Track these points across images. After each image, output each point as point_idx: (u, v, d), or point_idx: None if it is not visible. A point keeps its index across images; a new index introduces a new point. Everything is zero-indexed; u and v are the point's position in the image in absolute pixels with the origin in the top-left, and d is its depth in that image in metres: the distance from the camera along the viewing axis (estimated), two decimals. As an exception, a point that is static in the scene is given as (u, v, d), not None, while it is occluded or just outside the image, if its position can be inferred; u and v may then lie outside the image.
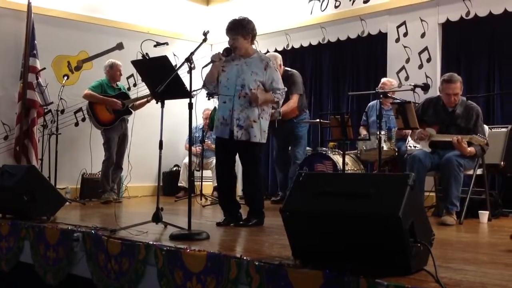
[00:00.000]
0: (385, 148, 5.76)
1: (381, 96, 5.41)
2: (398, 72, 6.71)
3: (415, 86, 5.43)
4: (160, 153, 3.92)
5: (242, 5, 8.18)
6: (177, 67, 3.90)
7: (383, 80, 6.34)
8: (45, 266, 4.04)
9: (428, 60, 6.51)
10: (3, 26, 6.97)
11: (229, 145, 4.37)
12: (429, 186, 5.28)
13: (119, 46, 7.84)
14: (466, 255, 3.16)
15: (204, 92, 4.56)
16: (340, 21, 7.28)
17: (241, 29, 4.31)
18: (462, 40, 6.46)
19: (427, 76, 6.42)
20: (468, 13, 6.16)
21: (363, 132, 6.33)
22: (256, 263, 2.69)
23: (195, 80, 3.82)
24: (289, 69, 6.48)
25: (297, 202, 2.65)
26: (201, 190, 6.95)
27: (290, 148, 6.54)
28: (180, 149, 8.31)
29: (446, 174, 4.67)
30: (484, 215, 4.76)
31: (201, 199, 6.69)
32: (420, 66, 6.56)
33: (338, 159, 6.04)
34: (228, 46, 4.38)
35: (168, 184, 8.04)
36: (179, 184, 7.78)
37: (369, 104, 6.50)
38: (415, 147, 5.01)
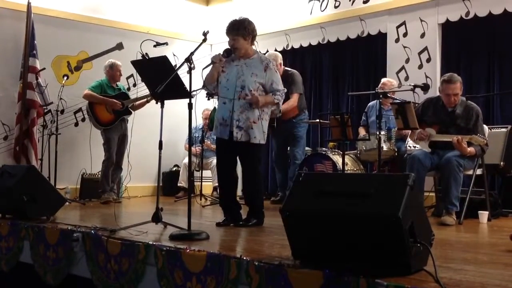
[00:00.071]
0: (384, 148, 5.76)
1: (380, 96, 5.41)
2: (397, 72, 6.71)
3: (415, 86, 5.43)
4: (160, 153, 3.92)
5: (242, 5, 8.18)
6: (177, 67, 3.90)
7: (383, 80, 6.34)
8: (45, 266, 4.04)
9: (428, 60, 6.51)
10: (3, 26, 6.97)
11: (229, 146, 4.37)
12: (429, 186, 5.29)
13: (119, 46, 7.84)
14: (466, 255, 3.16)
15: (203, 92, 4.56)
16: (340, 21, 7.28)
17: (241, 30, 4.30)
18: (461, 40, 6.46)
19: (426, 76, 6.42)
20: (467, 13, 6.16)
21: (361, 131, 6.33)
22: (256, 263, 2.69)
23: (195, 80, 3.82)
24: (289, 69, 6.49)
25: (297, 202, 2.65)
26: (200, 190, 6.95)
27: (289, 148, 6.54)
28: (180, 149, 8.31)
29: (445, 174, 4.67)
30: (483, 215, 4.76)
31: (201, 199, 6.69)
32: (420, 66, 6.56)
33: (337, 159, 6.04)
34: (228, 47, 4.38)
35: (168, 184, 8.04)
36: (178, 184, 7.78)
37: (368, 104, 6.50)
38: (414, 147, 5.02)
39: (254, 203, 4.43)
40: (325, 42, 7.51)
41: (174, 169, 8.22)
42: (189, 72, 3.79)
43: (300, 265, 2.59)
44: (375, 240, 2.37)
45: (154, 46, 4.27)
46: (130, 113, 6.71)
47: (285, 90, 4.57)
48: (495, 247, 3.46)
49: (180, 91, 3.90)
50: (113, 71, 6.76)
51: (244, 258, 2.78)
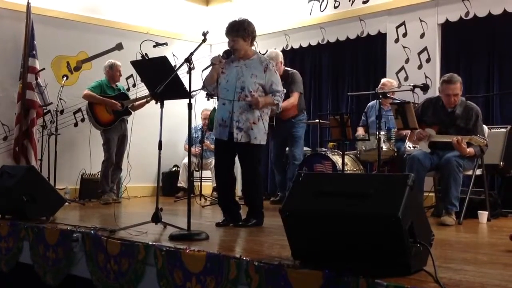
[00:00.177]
0: (384, 148, 5.76)
1: (380, 96, 5.41)
2: (397, 73, 6.71)
3: (415, 86, 5.43)
4: (159, 153, 3.92)
5: (242, 6, 8.18)
6: (177, 67, 3.90)
7: (383, 80, 6.34)
8: (45, 266, 4.04)
9: (428, 60, 6.51)
10: (2, 27, 6.97)
11: (228, 147, 4.37)
12: (429, 187, 5.29)
13: (119, 47, 7.84)
14: (466, 255, 3.16)
15: (203, 92, 4.56)
16: (340, 21, 7.28)
17: (241, 31, 4.30)
18: (461, 40, 6.47)
19: (426, 77, 6.42)
20: (467, 14, 6.16)
21: (359, 131, 6.32)
22: (256, 264, 2.69)
23: (195, 80, 3.82)
24: (289, 68, 6.49)
25: (296, 202, 2.65)
26: (200, 191, 6.95)
27: (288, 148, 6.53)
28: (179, 149, 8.31)
29: (445, 175, 4.67)
30: (483, 215, 4.76)
31: (200, 200, 6.69)
32: (420, 67, 6.56)
33: (337, 159, 6.05)
34: (227, 48, 4.38)
35: (168, 184, 8.04)
36: (178, 185, 7.78)
37: (368, 105, 6.50)
38: (415, 147, 5.01)
39: (253, 204, 4.43)
40: (324, 42, 7.51)
41: (174, 169, 8.22)
42: (189, 72, 3.79)
43: (299, 265, 2.59)
44: (375, 240, 2.37)
45: (154, 46, 4.27)
46: (130, 113, 6.71)
47: (285, 91, 4.58)
48: (494, 247, 3.46)
49: (180, 92, 3.90)
50: (112, 72, 6.76)
51: (244, 258, 2.78)
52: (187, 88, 3.80)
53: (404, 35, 6.71)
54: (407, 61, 6.66)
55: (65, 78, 7.00)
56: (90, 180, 7.10)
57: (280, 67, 6.18)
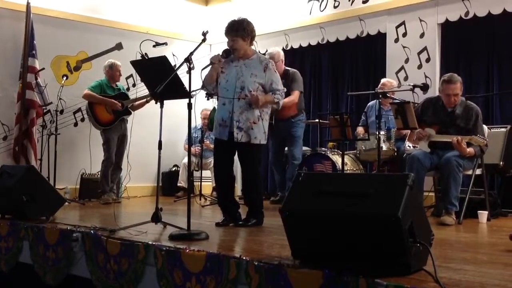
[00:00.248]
0: (384, 148, 5.76)
1: (380, 96, 5.41)
2: (397, 72, 6.71)
3: (414, 86, 5.43)
4: (159, 153, 3.92)
5: (241, 5, 8.18)
6: (176, 67, 3.90)
7: (383, 80, 6.34)
8: (45, 266, 4.04)
9: (427, 60, 6.51)
10: (2, 27, 6.96)
11: (228, 146, 4.37)
12: (428, 186, 5.29)
13: (118, 46, 7.84)
14: (465, 255, 3.16)
15: (203, 92, 4.56)
16: (339, 21, 7.28)
17: (240, 30, 4.30)
18: (461, 40, 6.47)
19: (426, 76, 6.42)
20: (467, 13, 6.16)
21: (359, 129, 6.32)
22: (256, 263, 2.69)
23: (194, 80, 3.82)
24: (289, 68, 6.48)
25: (296, 202, 2.65)
26: (200, 190, 6.95)
27: (287, 148, 6.53)
28: (179, 149, 8.31)
29: (445, 174, 4.67)
30: (483, 215, 4.76)
31: (200, 199, 6.69)
32: (419, 66, 6.56)
33: (337, 159, 6.05)
34: (227, 47, 4.38)
35: (168, 184, 8.04)
36: (178, 184, 7.78)
37: (368, 104, 6.50)
38: (415, 147, 5.01)
39: (253, 203, 4.43)
40: (324, 42, 7.51)
41: (174, 169, 8.22)
42: (189, 72, 3.79)
43: (299, 265, 2.59)
44: (375, 240, 2.37)
45: (154, 46, 4.27)
46: (130, 113, 6.71)
47: (285, 90, 4.57)
48: (494, 247, 3.47)
49: (180, 91, 3.90)
50: (112, 71, 6.76)
51: (244, 258, 2.78)
52: (187, 88, 3.80)
53: (404, 35, 6.71)
54: (407, 61, 6.66)
55: (65, 78, 7.00)
56: (90, 180, 7.10)
57: (281, 66, 6.18)
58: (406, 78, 6.58)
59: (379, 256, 2.39)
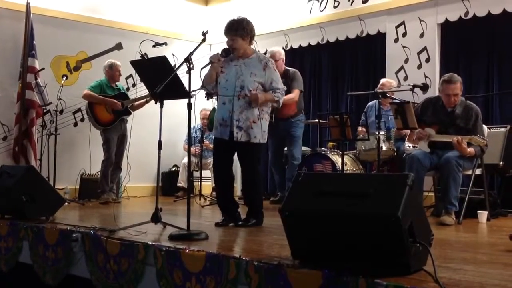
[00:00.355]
0: (384, 148, 5.76)
1: (380, 96, 5.41)
2: (397, 72, 6.71)
3: (414, 86, 5.43)
4: (159, 153, 3.92)
5: (241, 5, 8.18)
6: (176, 67, 3.90)
7: (383, 80, 6.34)
8: (44, 266, 4.04)
9: (427, 60, 6.51)
10: (2, 27, 6.96)
11: (228, 146, 4.37)
12: (428, 186, 5.29)
13: (118, 46, 7.83)
14: (465, 255, 3.16)
15: (203, 92, 4.56)
16: (339, 21, 7.29)
17: (240, 30, 4.30)
18: (461, 40, 6.47)
19: (426, 76, 6.42)
20: (467, 13, 6.16)
21: (360, 129, 6.32)
22: (255, 263, 2.69)
23: (194, 80, 3.82)
24: (289, 68, 6.48)
25: (296, 202, 2.65)
26: (200, 190, 6.95)
27: (286, 148, 6.53)
28: (179, 149, 8.31)
29: (445, 174, 4.67)
30: (483, 215, 4.76)
31: (200, 199, 6.69)
32: (419, 66, 6.56)
33: (337, 159, 6.05)
34: (226, 46, 4.38)
35: (167, 184, 8.04)
36: (178, 184, 7.78)
37: (368, 104, 6.50)
38: (414, 147, 5.02)
39: (253, 203, 4.43)
40: (324, 42, 7.51)
41: (173, 169, 8.22)
42: (188, 72, 3.79)
43: (299, 265, 2.59)
44: (375, 240, 2.37)
45: (153, 46, 4.27)
46: (130, 113, 6.71)
47: (285, 88, 4.57)
48: (494, 247, 3.47)
49: (180, 91, 3.90)
50: (112, 71, 6.76)
51: (244, 258, 2.78)
52: (187, 88, 3.80)
53: (404, 34, 6.71)
54: (406, 60, 6.67)
55: (64, 78, 6.99)
56: (89, 180, 7.10)
57: (281, 64, 6.19)
58: (406, 78, 6.58)
59: (379, 256, 2.39)
